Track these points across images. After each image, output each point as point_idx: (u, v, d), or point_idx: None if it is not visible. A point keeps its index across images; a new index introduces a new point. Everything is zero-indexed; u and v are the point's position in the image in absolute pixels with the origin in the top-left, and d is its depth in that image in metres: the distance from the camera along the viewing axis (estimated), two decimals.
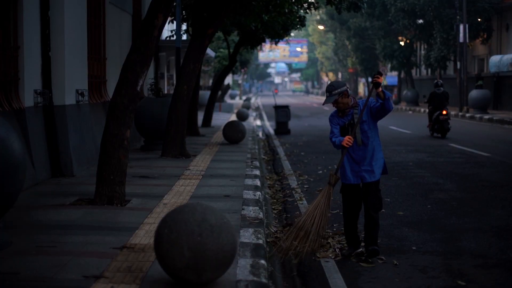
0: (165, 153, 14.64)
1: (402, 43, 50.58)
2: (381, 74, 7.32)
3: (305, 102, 75.53)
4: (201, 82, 45.69)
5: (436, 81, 23.49)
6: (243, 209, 8.86)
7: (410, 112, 44.13)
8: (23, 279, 5.67)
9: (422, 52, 51.88)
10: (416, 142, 20.89)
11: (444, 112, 22.27)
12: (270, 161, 16.87)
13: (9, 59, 10.43)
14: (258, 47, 34.12)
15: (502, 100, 38.03)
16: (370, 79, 66.37)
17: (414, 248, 7.93)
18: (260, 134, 24.82)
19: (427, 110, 24.40)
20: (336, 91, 7.46)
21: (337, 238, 8.23)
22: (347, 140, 7.43)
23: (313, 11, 23.62)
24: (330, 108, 51.74)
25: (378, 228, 7.58)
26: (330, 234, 8.41)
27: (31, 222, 7.90)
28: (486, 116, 31.98)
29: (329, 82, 7.76)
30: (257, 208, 8.97)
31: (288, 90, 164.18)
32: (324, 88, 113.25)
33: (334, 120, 7.73)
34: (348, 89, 7.55)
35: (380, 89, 7.33)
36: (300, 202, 10.86)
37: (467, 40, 38.12)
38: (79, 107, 12.52)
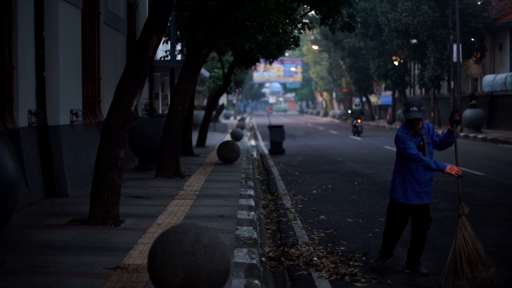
0: (160, 173, 14.63)
1: (396, 63, 50.79)
2: (457, 111, 7.47)
3: (300, 122, 75.62)
4: (196, 102, 45.73)
5: (355, 102, 43.30)
6: (237, 229, 8.85)
7: None
8: None
9: (416, 71, 52.08)
10: None
11: (359, 121, 38.28)
12: (265, 181, 16.86)
13: (4, 79, 10.44)
14: (253, 67, 34.21)
15: (496, 120, 38.16)
16: (364, 99, 66.47)
17: None
18: (255, 154, 24.81)
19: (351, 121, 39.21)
20: (423, 108, 7.52)
21: (331, 258, 8.21)
22: (457, 170, 7.33)
23: (307, 31, 23.77)
24: (324, 128, 51.83)
25: (424, 244, 7.82)
26: (324, 254, 8.40)
27: (25, 242, 7.87)
28: (480, 136, 32.07)
29: (409, 98, 7.69)
30: (251, 228, 8.96)
31: (282, 110, 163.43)
32: (318, 108, 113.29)
33: (408, 138, 7.65)
34: None
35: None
36: (294, 222, 10.86)
37: (461, 60, 38.30)
38: (73, 127, 12.52)
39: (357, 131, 38.36)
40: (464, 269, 6.83)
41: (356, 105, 40.69)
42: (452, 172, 7.30)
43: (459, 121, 7.43)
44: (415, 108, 7.46)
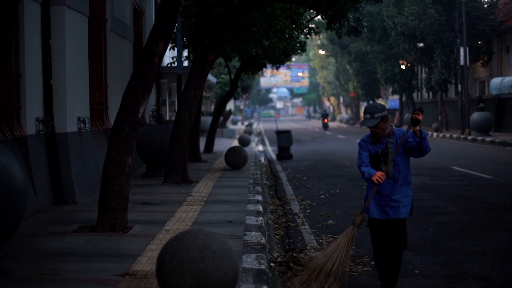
0: (167, 180, 14.63)
1: (403, 67, 50.76)
2: (422, 111, 6.85)
3: (307, 126, 75.60)
4: (203, 108, 45.79)
5: (323, 106, 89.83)
6: (245, 234, 8.84)
7: None
8: None
9: (423, 75, 52.03)
10: (418, 166, 20.82)
11: (325, 120, 65.20)
12: (272, 186, 16.86)
13: (11, 87, 10.47)
14: (259, 73, 34.20)
15: (503, 122, 38.07)
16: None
17: (417, 271, 7.90)
18: (262, 159, 24.80)
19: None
20: (379, 114, 6.92)
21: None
22: (379, 176, 6.84)
23: (313, 36, 23.75)
24: (332, 133, 51.79)
25: (399, 268, 7.14)
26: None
27: (33, 249, 7.88)
28: (488, 139, 32.00)
29: (367, 105, 7.28)
30: (260, 233, 8.95)
31: (289, 115, 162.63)
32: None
33: (365, 146, 7.18)
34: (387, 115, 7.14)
35: (418, 127, 6.84)
36: (303, 227, 10.85)
37: (468, 63, 38.25)
38: (81, 134, 12.54)
39: (324, 126, 62.55)
40: (319, 275, 6.59)
41: (324, 110, 74.09)
42: (373, 178, 6.87)
43: (419, 121, 6.78)
44: (367, 116, 6.94)
